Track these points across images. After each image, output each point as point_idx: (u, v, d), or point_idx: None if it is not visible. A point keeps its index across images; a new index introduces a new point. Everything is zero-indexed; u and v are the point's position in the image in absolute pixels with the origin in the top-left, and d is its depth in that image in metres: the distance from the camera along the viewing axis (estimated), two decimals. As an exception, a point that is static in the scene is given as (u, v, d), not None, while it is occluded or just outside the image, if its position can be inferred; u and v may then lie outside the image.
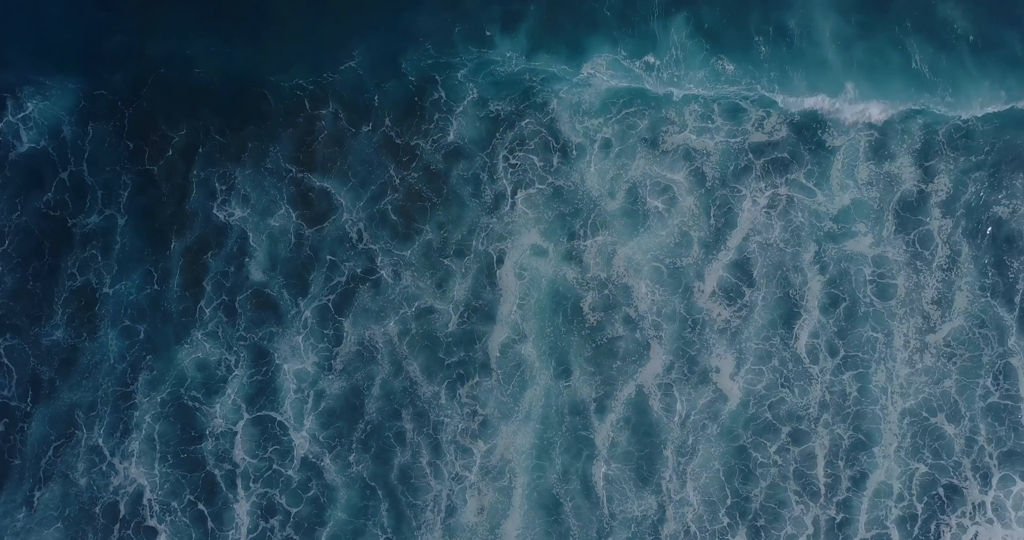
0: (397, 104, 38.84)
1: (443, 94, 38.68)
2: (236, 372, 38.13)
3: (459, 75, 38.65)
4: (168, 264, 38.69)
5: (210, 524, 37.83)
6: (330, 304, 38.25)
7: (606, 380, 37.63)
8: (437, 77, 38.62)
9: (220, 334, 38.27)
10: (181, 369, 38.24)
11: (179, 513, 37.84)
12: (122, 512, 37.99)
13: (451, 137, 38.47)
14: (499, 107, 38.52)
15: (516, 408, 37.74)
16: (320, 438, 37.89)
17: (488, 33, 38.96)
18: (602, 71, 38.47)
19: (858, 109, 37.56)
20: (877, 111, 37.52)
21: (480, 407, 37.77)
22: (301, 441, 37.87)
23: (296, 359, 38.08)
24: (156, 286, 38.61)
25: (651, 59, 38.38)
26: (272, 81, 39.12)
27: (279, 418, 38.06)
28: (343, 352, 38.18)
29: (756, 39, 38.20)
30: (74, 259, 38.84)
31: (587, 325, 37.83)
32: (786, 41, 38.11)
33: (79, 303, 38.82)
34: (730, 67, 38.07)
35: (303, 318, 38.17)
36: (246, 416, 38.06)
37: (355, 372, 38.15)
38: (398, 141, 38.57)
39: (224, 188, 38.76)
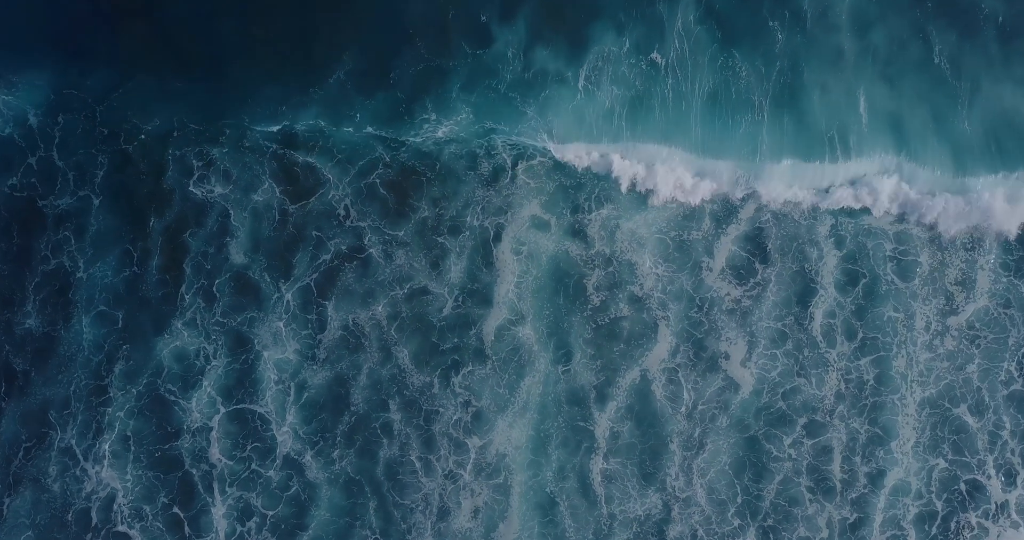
0: (382, 116, 37.01)
1: (434, 115, 36.71)
2: (214, 363, 36.17)
3: (452, 93, 36.70)
4: (147, 244, 36.65)
5: (187, 529, 36.01)
6: (313, 284, 36.29)
7: (607, 364, 35.89)
8: (428, 99, 36.69)
9: (199, 321, 36.30)
10: (158, 359, 36.26)
11: (151, 518, 36.00)
12: (94, 520, 36.14)
13: (440, 134, 36.66)
14: (493, 126, 36.66)
15: (512, 399, 35.93)
16: (302, 433, 35.98)
17: (483, 18, 37.02)
18: (604, 81, 36.58)
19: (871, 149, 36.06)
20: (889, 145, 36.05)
21: (475, 398, 35.91)
22: (284, 438, 35.97)
23: (278, 347, 36.13)
24: (135, 268, 36.57)
25: (657, 56, 36.54)
26: (252, 98, 37.28)
27: (260, 411, 36.09)
28: (328, 338, 36.21)
29: (771, 24, 36.43)
30: (46, 241, 36.86)
31: (590, 305, 36.00)
32: (800, 28, 36.43)
33: (52, 287, 36.78)
34: (743, 71, 36.25)
35: (285, 302, 36.19)
36: (223, 410, 36.11)
37: (340, 360, 36.19)
38: (384, 135, 36.74)
39: (202, 164, 36.81)
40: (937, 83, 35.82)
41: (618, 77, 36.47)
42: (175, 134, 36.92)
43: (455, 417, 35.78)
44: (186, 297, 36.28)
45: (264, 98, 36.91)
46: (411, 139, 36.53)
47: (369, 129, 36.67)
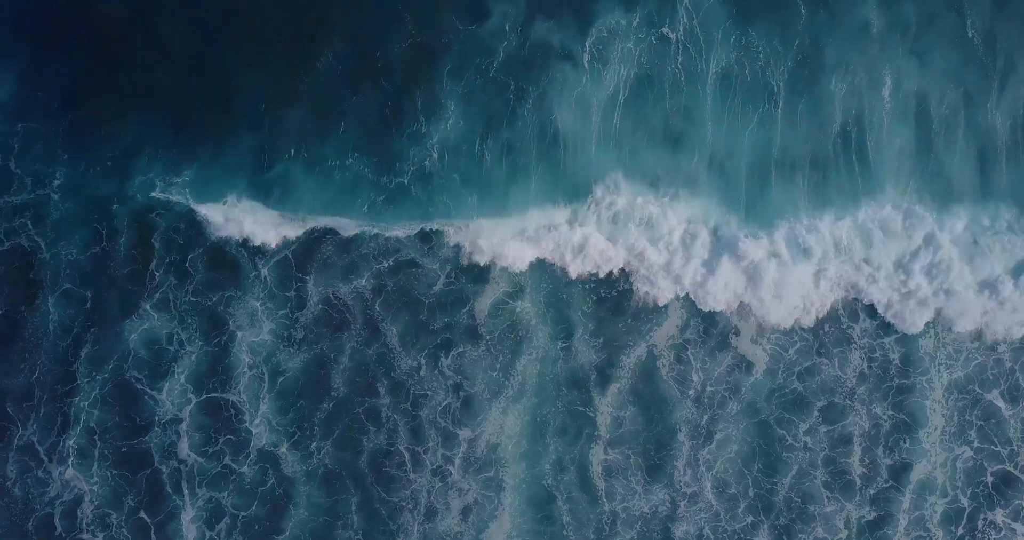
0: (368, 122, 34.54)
1: (423, 121, 34.15)
2: (188, 348, 33.63)
3: (442, 83, 34.16)
4: (114, 224, 33.99)
5: (153, 538, 33.47)
6: (291, 256, 33.94)
7: (611, 341, 33.77)
8: (417, 93, 34.15)
9: (171, 301, 33.74)
10: (126, 344, 33.58)
11: (116, 527, 33.43)
12: (58, 528, 33.44)
13: (427, 163, 34.26)
14: (482, 143, 34.31)
15: (506, 382, 33.71)
16: (276, 423, 33.61)
17: (477, -11, 34.65)
18: (612, 59, 34.27)
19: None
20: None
21: (467, 382, 33.69)
22: (259, 429, 33.54)
23: (254, 328, 33.73)
24: (104, 243, 33.93)
25: (667, 31, 34.26)
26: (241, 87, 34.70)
27: (233, 399, 33.60)
28: (306, 316, 33.83)
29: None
30: (-1, 228, 34.18)
31: (594, 276, 33.91)
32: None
33: (11, 265, 34.04)
34: (760, 49, 34.23)
35: (263, 277, 33.82)
36: (194, 400, 33.58)
37: (320, 340, 33.83)
38: (367, 169, 34.36)
39: (164, 183, 34.14)
40: (968, 63, 34.10)
41: (625, 54, 34.29)
42: (144, 158, 34.31)
43: (444, 403, 33.53)
44: (156, 275, 33.75)
45: (243, 106, 34.37)
46: (396, 180, 33.98)
47: (354, 157, 33.98)
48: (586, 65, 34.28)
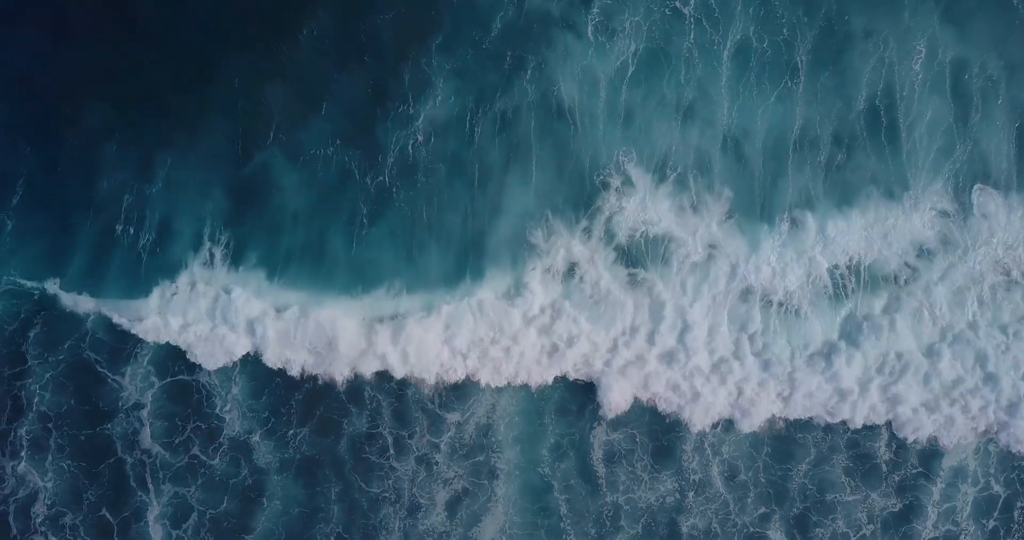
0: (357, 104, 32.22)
1: (411, 101, 31.68)
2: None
3: (432, 57, 31.68)
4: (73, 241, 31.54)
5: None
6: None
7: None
8: (405, 70, 31.67)
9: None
10: (82, 321, 31.03)
11: (70, 530, 30.90)
12: (13, 529, 30.79)
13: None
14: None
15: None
16: (251, 406, 31.26)
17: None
18: (619, 29, 31.72)
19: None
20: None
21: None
22: (232, 417, 31.14)
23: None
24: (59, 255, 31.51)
25: (679, 5, 31.67)
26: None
27: (203, 381, 31.09)
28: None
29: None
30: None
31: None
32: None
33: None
34: (782, 18, 31.74)
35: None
36: (158, 383, 31.03)
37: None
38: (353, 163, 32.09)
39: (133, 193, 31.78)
40: (1010, 31, 31.79)
41: (634, 27, 31.73)
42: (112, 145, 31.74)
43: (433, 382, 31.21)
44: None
45: (218, 86, 31.84)
46: (377, 180, 31.69)
47: (336, 144, 31.64)
48: (591, 37, 31.72)
